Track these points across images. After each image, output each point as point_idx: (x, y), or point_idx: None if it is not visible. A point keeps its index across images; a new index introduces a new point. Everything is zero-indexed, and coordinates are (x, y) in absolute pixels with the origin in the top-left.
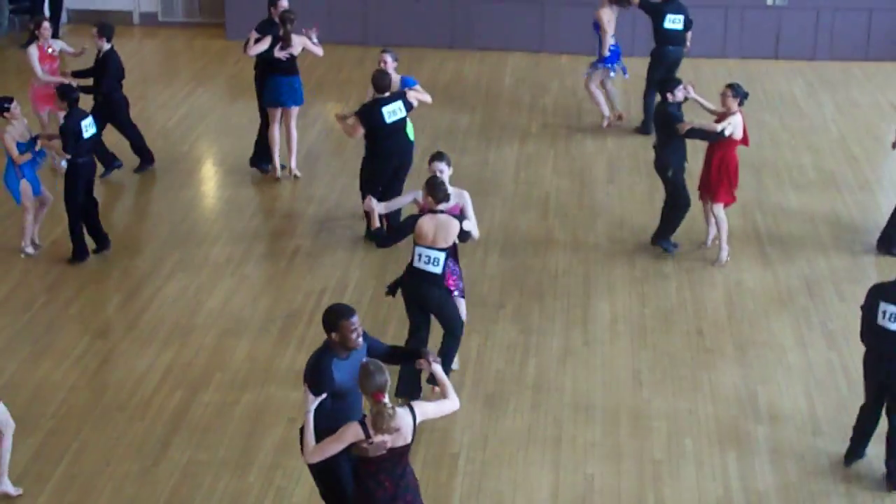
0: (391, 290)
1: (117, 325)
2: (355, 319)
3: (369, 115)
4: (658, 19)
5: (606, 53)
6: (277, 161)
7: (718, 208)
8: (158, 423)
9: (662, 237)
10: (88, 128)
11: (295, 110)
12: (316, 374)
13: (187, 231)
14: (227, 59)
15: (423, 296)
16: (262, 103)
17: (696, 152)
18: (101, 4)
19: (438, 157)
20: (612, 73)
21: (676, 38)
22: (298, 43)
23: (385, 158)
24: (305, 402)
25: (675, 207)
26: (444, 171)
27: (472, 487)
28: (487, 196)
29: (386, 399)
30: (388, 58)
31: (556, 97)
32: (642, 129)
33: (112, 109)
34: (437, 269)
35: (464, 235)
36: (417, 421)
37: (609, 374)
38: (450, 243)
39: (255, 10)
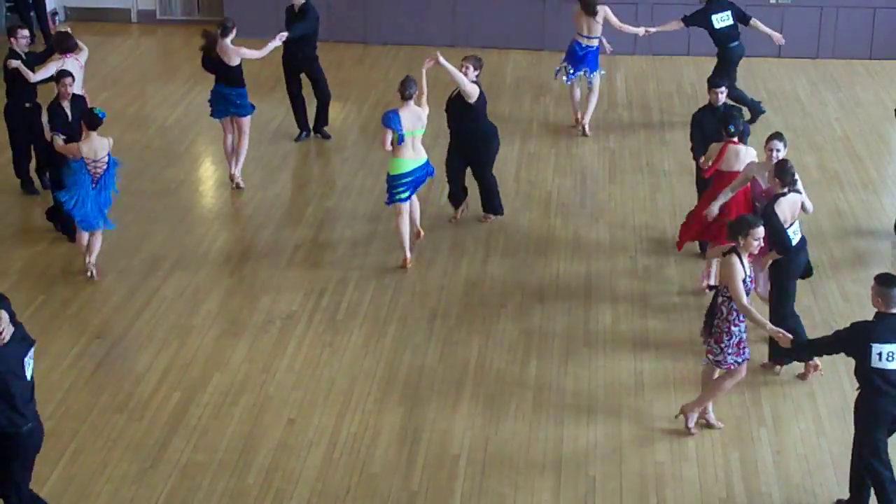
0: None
1: (115, 326)
2: None
3: (482, 94)
4: (708, 23)
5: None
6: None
7: None
8: (156, 424)
9: None
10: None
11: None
12: None
13: (185, 230)
14: None
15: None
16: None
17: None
18: (100, 2)
19: (778, 136)
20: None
21: (731, 34)
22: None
23: (496, 135)
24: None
25: None
26: (781, 151)
27: (473, 488)
28: None
29: None
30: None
31: (557, 96)
32: (753, 118)
33: None
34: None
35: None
36: None
37: (611, 375)
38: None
39: (254, 7)
